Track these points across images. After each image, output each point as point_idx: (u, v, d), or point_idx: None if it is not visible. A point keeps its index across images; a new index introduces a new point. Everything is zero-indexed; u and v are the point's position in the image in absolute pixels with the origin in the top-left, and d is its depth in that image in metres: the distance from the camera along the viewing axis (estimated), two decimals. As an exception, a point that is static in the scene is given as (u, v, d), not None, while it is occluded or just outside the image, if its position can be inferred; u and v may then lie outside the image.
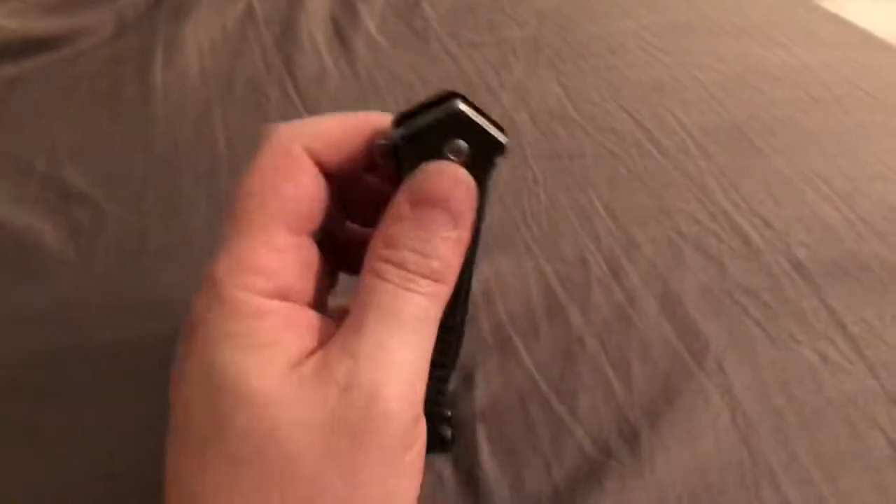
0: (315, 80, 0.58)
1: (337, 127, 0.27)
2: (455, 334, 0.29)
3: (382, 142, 0.27)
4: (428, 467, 0.33)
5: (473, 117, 0.27)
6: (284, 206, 0.25)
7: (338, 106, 0.55)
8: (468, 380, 0.36)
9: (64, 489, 0.34)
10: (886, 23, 1.47)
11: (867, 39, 0.66)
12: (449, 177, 0.25)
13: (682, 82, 0.57)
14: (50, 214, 0.46)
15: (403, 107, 0.51)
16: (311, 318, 0.25)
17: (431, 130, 0.26)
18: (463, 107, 0.27)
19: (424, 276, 0.24)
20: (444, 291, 0.25)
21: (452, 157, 0.26)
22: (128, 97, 0.57)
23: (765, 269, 0.41)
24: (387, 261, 0.24)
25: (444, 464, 0.33)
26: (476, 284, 0.40)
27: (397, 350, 0.23)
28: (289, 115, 0.55)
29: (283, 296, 0.25)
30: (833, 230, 0.43)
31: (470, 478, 0.33)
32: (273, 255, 0.25)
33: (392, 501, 0.23)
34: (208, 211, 0.47)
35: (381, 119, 0.28)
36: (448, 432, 0.30)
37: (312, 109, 0.55)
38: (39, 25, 0.63)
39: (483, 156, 0.27)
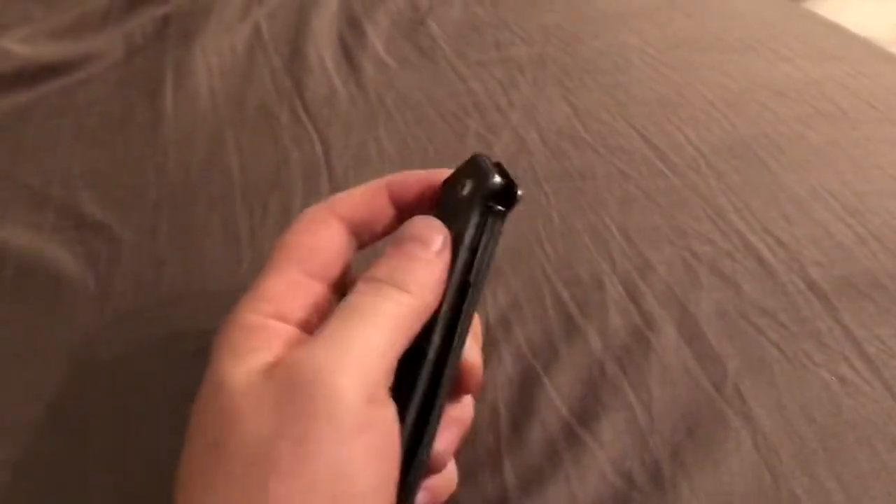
0: (325, 102, 0.58)
1: (358, 191, 0.33)
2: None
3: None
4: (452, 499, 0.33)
5: (480, 160, 0.31)
6: (301, 251, 0.31)
7: (348, 128, 0.56)
8: (492, 408, 0.36)
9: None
10: (880, 25, 1.48)
11: (871, 51, 0.66)
12: (422, 220, 0.30)
13: (688, 98, 0.58)
14: (67, 244, 0.47)
15: (412, 126, 0.52)
16: (304, 337, 0.28)
17: (456, 174, 0.32)
18: (479, 154, 0.32)
19: (393, 286, 0.28)
20: (413, 304, 0.28)
21: (461, 194, 0.31)
22: (139, 122, 0.58)
23: (780, 289, 0.41)
24: (362, 280, 0.29)
25: (473, 496, 0.34)
26: (493, 313, 0.41)
27: (351, 340, 0.26)
28: (300, 137, 0.55)
29: (284, 319, 0.29)
30: (845, 248, 0.44)
31: (496, 501, 0.34)
32: (281, 286, 0.29)
33: (343, 478, 0.24)
34: (224, 237, 0.47)
35: (397, 176, 0.33)
36: None
37: (323, 131, 0.55)
38: (51, 50, 0.64)
39: (479, 193, 0.30)
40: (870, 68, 0.63)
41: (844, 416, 0.35)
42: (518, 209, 0.47)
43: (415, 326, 0.28)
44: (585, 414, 0.36)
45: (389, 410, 0.27)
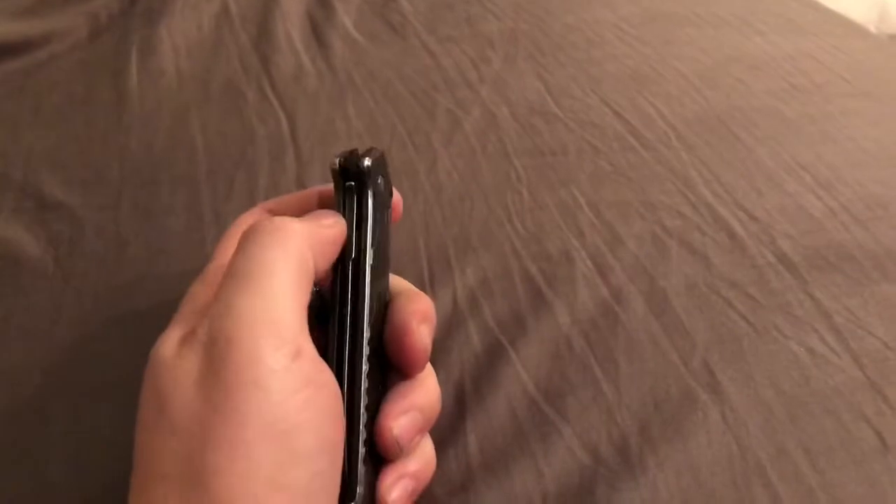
0: (293, 80, 0.57)
1: (290, 195, 0.35)
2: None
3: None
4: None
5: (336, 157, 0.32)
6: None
7: (316, 105, 0.55)
8: (458, 385, 0.36)
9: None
10: (861, 9, 1.48)
11: (845, 26, 0.66)
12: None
13: (662, 73, 0.57)
14: (28, 225, 0.46)
15: (381, 102, 0.51)
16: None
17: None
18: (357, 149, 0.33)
19: (278, 230, 0.27)
20: (300, 249, 0.27)
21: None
22: (103, 101, 0.56)
23: (749, 261, 0.41)
24: (246, 234, 0.28)
25: (437, 472, 0.33)
26: (461, 289, 0.40)
27: (244, 302, 0.25)
28: (266, 115, 0.54)
29: None
30: (816, 220, 0.43)
31: (460, 480, 0.33)
32: (216, 271, 0.29)
33: (282, 438, 0.24)
34: (187, 216, 0.46)
35: (323, 187, 0.34)
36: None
37: (290, 109, 0.54)
38: (12, 29, 0.62)
39: (337, 178, 0.32)
40: (843, 43, 0.62)
41: (812, 386, 0.35)
42: (488, 185, 0.47)
43: (307, 269, 0.28)
44: (552, 389, 0.35)
45: (322, 367, 0.26)
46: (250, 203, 0.45)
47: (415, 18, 0.64)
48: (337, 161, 0.31)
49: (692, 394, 0.35)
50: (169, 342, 0.26)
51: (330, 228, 0.29)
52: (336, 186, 0.32)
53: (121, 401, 0.37)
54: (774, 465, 0.32)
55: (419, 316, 0.31)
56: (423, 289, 0.40)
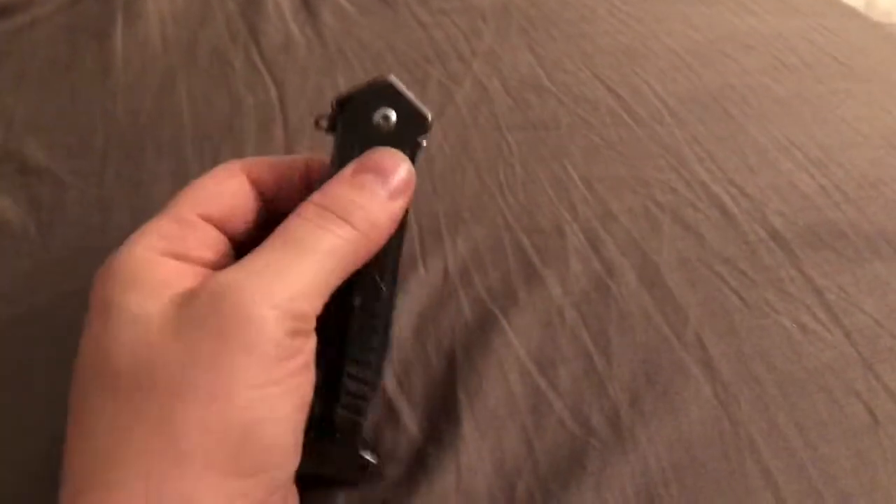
0: (281, 49, 0.56)
1: (274, 158, 0.32)
2: (377, 335, 0.29)
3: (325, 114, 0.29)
4: (410, 443, 0.32)
5: (401, 89, 0.29)
6: (199, 194, 0.29)
7: (304, 74, 0.54)
8: (449, 354, 0.35)
9: (23, 475, 0.33)
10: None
11: (838, 6, 0.66)
12: (394, 155, 0.28)
13: (654, 50, 0.57)
14: (9, 190, 0.45)
15: (372, 74, 0.50)
16: (207, 273, 0.27)
17: (364, 97, 0.29)
18: (393, 78, 0.29)
19: (341, 218, 0.26)
20: (360, 242, 0.27)
21: (381, 124, 0.28)
22: (87, 66, 0.55)
23: (742, 238, 0.41)
24: (310, 202, 0.27)
25: (429, 440, 0.33)
26: (452, 261, 0.40)
27: (283, 269, 0.25)
28: (254, 84, 0.53)
29: (180, 257, 0.27)
30: (808, 198, 0.43)
31: (452, 451, 0.33)
32: (174, 226, 0.28)
33: (261, 408, 0.24)
34: (173, 183, 0.45)
35: (312, 157, 0.32)
36: (369, 457, 0.30)
37: (278, 78, 0.54)
38: (-7, -9, 0.61)
39: (408, 128, 0.28)
40: (835, 23, 0.62)
41: (804, 362, 0.35)
42: (480, 158, 0.46)
43: (356, 263, 0.27)
44: (544, 359, 0.35)
45: (309, 342, 0.26)
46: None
47: (406, -11, 0.63)
48: (431, 117, 0.28)
49: (684, 368, 0.35)
50: (153, 300, 0.25)
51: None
52: (402, 135, 0.28)
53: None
54: (766, 441, 0.32)
55: None
56: (414, 260, 0.40)
